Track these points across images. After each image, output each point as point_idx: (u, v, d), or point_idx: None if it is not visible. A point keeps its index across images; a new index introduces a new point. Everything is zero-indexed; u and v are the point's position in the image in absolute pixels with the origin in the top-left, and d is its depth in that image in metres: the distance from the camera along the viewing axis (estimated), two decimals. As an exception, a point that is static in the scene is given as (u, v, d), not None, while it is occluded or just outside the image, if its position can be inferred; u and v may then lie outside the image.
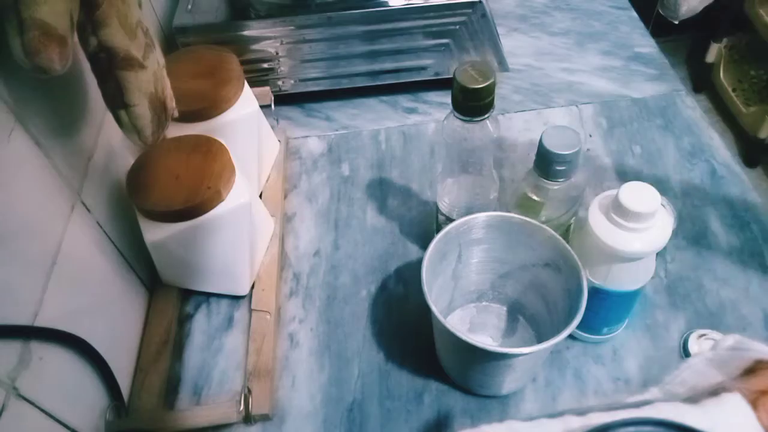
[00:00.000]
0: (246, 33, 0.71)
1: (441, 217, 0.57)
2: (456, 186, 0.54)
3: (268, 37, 0.72)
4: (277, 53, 0.73)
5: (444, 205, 0.56)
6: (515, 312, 0.57)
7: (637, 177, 0.66)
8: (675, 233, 0.54)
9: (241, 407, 0.51)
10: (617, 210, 0.44)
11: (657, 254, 0.47)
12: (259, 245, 0.62)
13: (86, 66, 0.44)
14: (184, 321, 0.60)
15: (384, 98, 0.80)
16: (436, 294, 0.49)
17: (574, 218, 0.53)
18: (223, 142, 0.56)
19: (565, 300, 0.48)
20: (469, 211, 0.51)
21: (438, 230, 0.51)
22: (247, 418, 0.52)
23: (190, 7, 0.72)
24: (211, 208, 0.53)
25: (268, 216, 0.64)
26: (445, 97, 0.55)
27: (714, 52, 1.78)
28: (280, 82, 0.76)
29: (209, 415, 0.52)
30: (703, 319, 0.56)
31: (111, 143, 0.56)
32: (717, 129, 0.75)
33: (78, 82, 0.51)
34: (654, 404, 0.27)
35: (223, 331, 0.59)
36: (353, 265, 0.63)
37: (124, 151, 0.59)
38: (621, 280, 0.48)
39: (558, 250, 0.48)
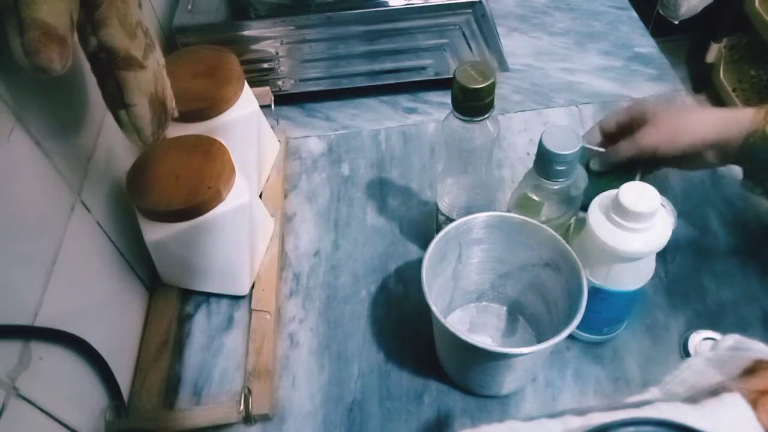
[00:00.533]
0: (246, 33, 0.71)
1: (441, 217, 0.57)
2: (456, 186, 0.54)
3: (268, 37, 0.72)
4: (277, 53, 0.73)
5: (444, 205, 0.56)
6: (515, 312, 0.57)
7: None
8: (675, 233, 0.54)
9: (241, 407, 0.51)
10: (617, 210, 0.44)
11: (657, 254, 0.47)
12: (259, 245, 0.62)
13: (86, 66, 0.44)
14: (184, 321, 0.60)
15: (384, 98, 0.80)
16: (436, 294, 0.49)
17: (574, 218, 0.53)
18: (223, 142, 0.56)
19: (565, 300, 0.48)
20: (469, 211, 0.51)
21: (438, 230, 0.51)
22: (247, 418, 0.52)
23: (190, 7, 0.72)
24: (211, 208, 0.53)
25: (268, 216, 0.64)
26: (445, 97, 0.55)
27: (714, 52, 1.78)
28: (280, 82, 0.77)
29: (209, 415, 0.52)
30: (703, 319, 0.56)
31: (111, 143, 0.56)
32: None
33: (78, 82, 0.51)
34: (654, 404, 0.27)
35: (223, 331, 0.59)
36: (353, 265, 0.63)
37: (124, 151, 0.59)
38: (621, 280, 0.48)
39: (558, 250, 0.48)
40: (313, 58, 0.74)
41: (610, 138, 0.62)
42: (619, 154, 0.58)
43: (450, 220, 0.55)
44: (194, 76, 0.60)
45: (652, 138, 0.56)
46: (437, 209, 0.58)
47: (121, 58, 0.42)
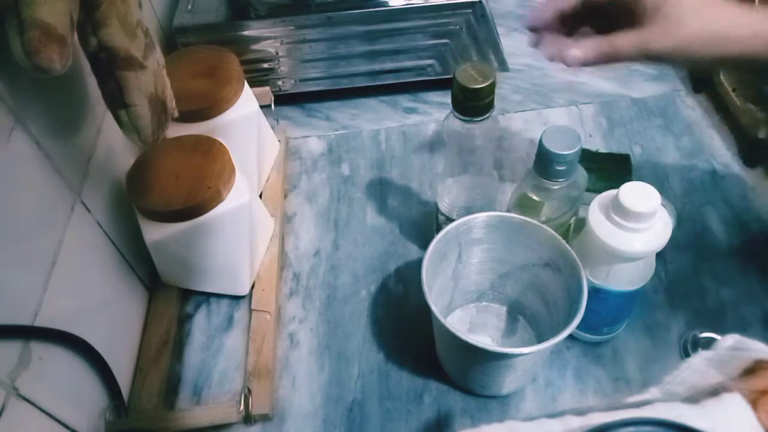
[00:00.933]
0: (246, 33, 0.71)
1: (441, 217, 0.57)
2: (456, 186, 0.54)
3: (268, 37, 0.72)
4: (277, 53, 0.73)
5: (444, 205, 0.56)
6: (515, 312, 0.57)
7: (637, 177, 0.66)
8: (675, 233, 0.54)
9: (241, 407, 0.51)
10: (617, 210, 0.44)
11: (657, 254, 0.47)
12: (259, 245, 0.62)
13: (86, 66, 0.44)
14: (184, 321, 0.60)
15: (384, 98, 0.80)
16: (436, 294, 0.49)
17: (574, 218, 0.53)
18: (223, 142, 0.56)
19: (565, 300, 0.48)
20: (469, 211, 0.51)
21: (438, 230, 0.51)
22: (247, 418, 0.52)
23: (190, 7, 0.72)
24: (211, 208, 0.53)
25: (268, 216, 0.64)
26: (445, 97, 0.55)
27: (714, 52, 1.77)
28: (280, 82, 0.76)
29: (209, 415, 0.52)
30: (703, 319, 0.56)
31: (111, 143, 0.56)
32: (717, 129, 0.75)
33: (78, 82, 0.51)
34: (654, 404, 0.27)
35: (223, 331, 0.59)
36: (353, 265, 0.63)
37: (124, 151, 0.59)
38: (621, 280, 0.48)
39: (558, 250, 0.48)
40: (313, 58, 0.74)
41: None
42: (620, 56, 0.42)
43: (450, 220, 0.55)
44: (194, 76, 0.60)
45: (665, 42, 0.40)
46: (437, 209, 0.58)
47: (121, 58, 0.42)
